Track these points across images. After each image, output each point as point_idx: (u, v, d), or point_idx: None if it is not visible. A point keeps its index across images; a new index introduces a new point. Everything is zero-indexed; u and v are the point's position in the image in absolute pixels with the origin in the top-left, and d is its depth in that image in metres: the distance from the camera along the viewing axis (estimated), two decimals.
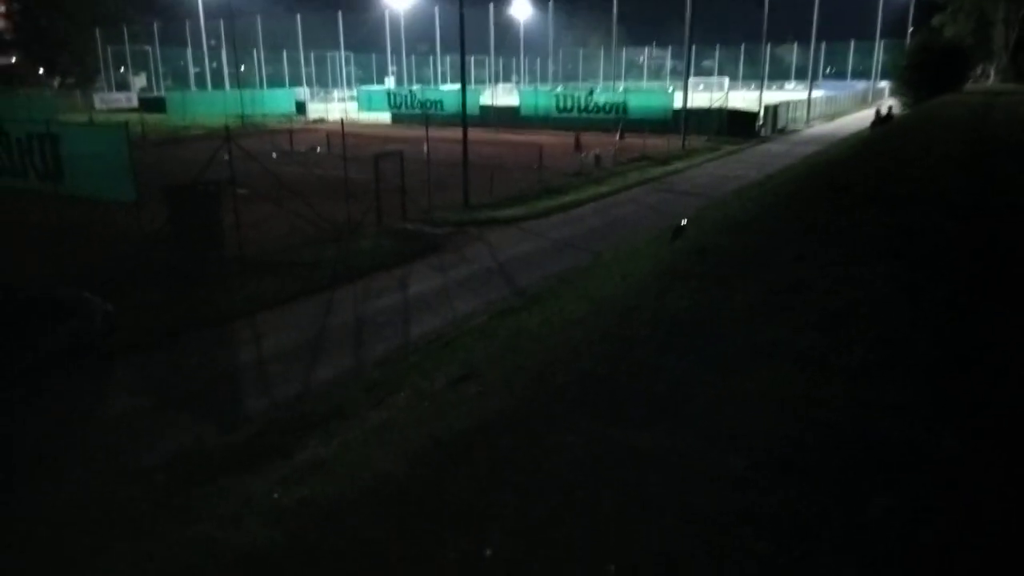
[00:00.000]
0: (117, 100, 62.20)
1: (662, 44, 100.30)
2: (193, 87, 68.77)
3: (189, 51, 70.30)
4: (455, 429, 4.65)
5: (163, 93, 62.14)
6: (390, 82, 76.72)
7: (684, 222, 10.58)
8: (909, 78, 50.52)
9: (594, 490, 3.68)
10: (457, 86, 75.02)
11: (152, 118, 46.35)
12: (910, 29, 63.04)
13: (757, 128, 42.51)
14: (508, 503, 3.74)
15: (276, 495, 4.84)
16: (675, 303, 5.95)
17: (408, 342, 11.02)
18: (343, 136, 19.22)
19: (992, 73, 67.59)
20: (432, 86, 68.32)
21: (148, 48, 71.64)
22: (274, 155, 31.31)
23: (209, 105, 51.62)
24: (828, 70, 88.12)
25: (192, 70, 71.50)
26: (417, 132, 31.20)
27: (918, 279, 6.61)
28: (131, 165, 15.18)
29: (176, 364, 10.24)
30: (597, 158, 29.92)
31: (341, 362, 10.28)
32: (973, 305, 5.93)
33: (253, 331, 11.57)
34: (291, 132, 35.03)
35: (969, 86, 55.42)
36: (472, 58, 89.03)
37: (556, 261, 15.75)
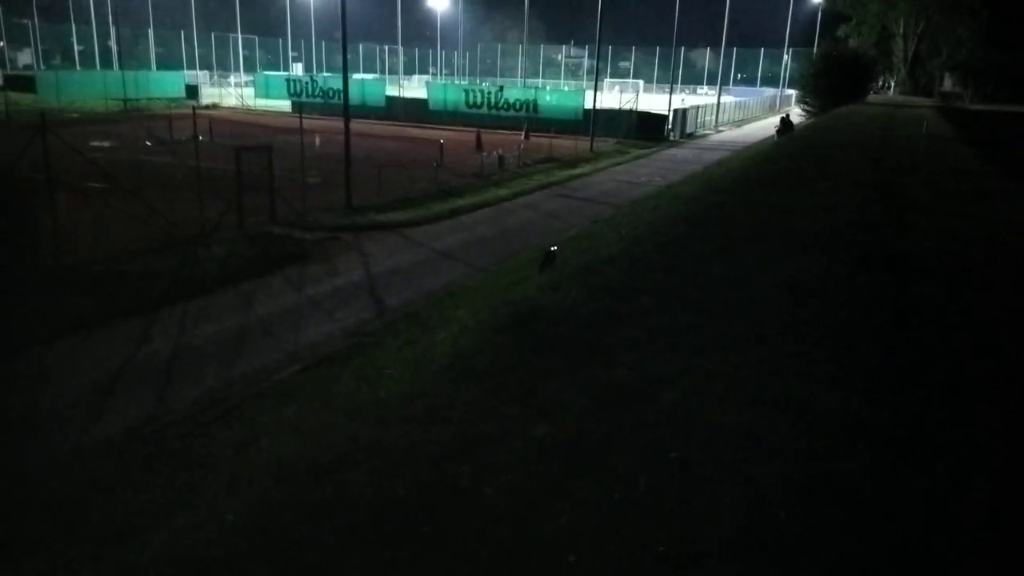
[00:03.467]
0: None
1: (580, 43, 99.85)
2: (79, 66, 63.44)
3: (72, 26, 64.89)
4: None
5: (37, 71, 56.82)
6: (298, 68, 73.22)
7: (554, 248, 9.21)
8: (815, 86, 51.31)
9: None
10: (367, 75, 72.30)
11: (22, 99, 42.06)
12: (817, 38, 64.25)
13: (666, 132, 41.97)
14: None
15: None
16: (438, 438, 4.20)
17: (232, 380, 9.17)
18: (193, 122, 16.98)
19: (892, 84, 69.92)
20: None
21: (27, 21, 65.61)
22: (148, 143, 28.49)
23: (87, 86, 47.21)
24: (739, 76, 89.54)
25: (76, 47, 66.04)
26: (317, 123, 28.92)
27: (805, 392, 4.95)
28: None
29: None
30: (501, 159, 28.45)
31: (122, 419, 8.26)
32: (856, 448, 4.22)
33: (37, 366, 9.44)
34: (170, 118, 32.02)
35: (871, 97, 56.82)
36: (386, 47, 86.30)
37: (433, 277, 14.11)
